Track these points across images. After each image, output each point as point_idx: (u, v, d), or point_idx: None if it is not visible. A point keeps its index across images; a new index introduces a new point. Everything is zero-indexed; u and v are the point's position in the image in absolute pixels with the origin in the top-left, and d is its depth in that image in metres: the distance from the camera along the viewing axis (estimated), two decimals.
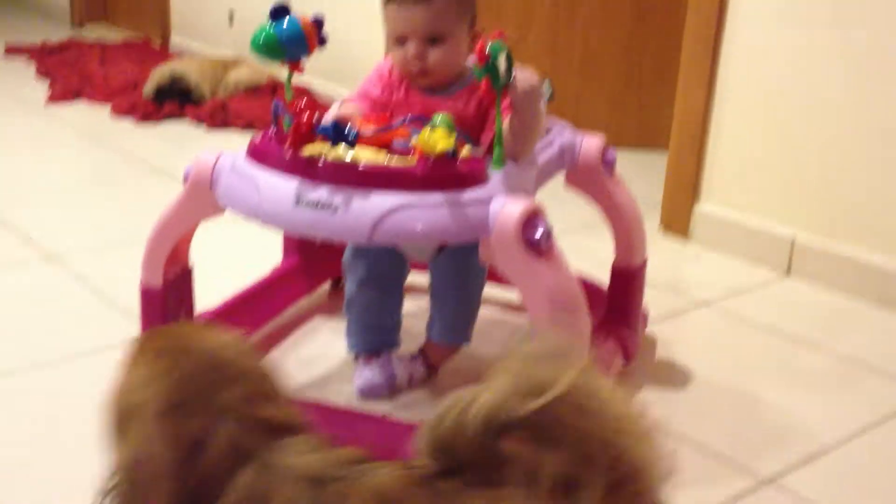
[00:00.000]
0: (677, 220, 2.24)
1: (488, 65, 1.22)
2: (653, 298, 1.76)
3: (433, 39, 1.36)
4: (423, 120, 1.29)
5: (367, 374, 1.49)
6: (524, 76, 1.25)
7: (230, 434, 0.78)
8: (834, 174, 1.97)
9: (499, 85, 1.23)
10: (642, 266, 1.62)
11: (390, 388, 1.48)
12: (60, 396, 1.48)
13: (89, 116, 3.11)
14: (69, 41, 4.13)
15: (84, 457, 0.99)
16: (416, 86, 1.41)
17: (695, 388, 1.58)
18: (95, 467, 0.84)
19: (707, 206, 2.20)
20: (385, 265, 1.49)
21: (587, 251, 1.92)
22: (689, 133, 2.18)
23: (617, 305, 1.60)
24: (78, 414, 1.23)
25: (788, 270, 2.05)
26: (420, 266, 1.57)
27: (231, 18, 3.69)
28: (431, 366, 1.53)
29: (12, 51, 3.99)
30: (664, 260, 2.03)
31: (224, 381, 0.80)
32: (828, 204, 1.99)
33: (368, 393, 1.48)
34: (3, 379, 1.52)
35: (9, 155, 2.73)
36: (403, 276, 1.54)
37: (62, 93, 3.29)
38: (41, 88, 3.39)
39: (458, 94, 1.40)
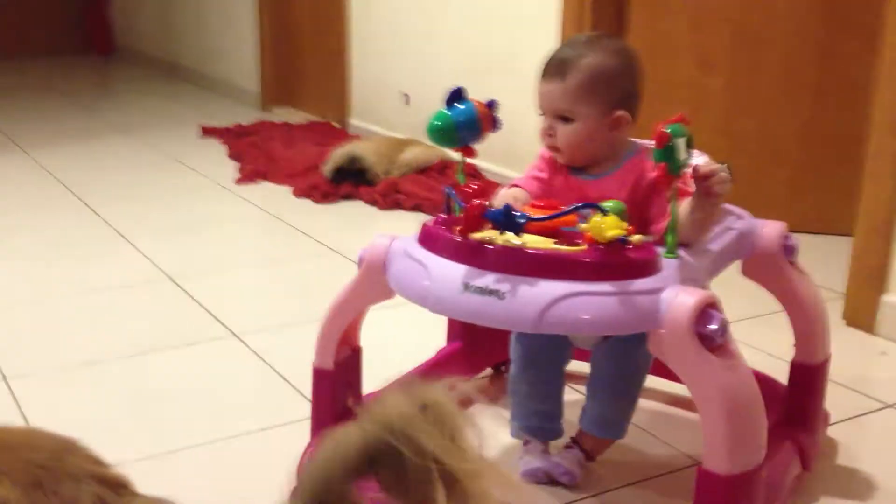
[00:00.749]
0: (862, 312, 2.11)
1: (667, 148, 1.20)
2: (834, 397, 1.65)
3: (563, 118, 1.37)
4: (592, 206, 1.28)
5: (528, 458, 1.48)
6: (708, 162, 1.23)
7: (94, 494, 0.80)
8: None
9: (676, 169, 1.21)
10: (825, 363, 1.53)
11: (549, 476, 1.47)
12: (235, 469, 1.54)
13: (273, 196, 3.28)
14: (258, 124, 4.40)
15: None
16: (568, 168, 1.42)
17: (878, 500, 1.46)
18: None
19: (895, 299, 2.06)
20: (548, 349, 1.48)
21: (763, 343, 1.84)
22: (875, 220, 2.07)
23: (795, 405, 1.51)
24: (245, 487, 1.27)
25: None
26: (579, 353, 1.54)
27: (407, 100, 3.83)
28: (587, 454, 1.50)
29: (207, 132, 4.28)
30: (847, 355, 1.90)
31: (65, 450, 0.84)
32: None
33: (531, 477, 1.47)
34: (194, 449, 1.60)
35: (199, 233, 2.91)
36: (566, 361, 1.52)
37: (250, 174, 3.50)
38: (232, 168, 3.61)
39: (609, 177, 1.39)
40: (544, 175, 1.44)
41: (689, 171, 1.37)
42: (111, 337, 2.09)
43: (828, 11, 2.66)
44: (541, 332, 1.18)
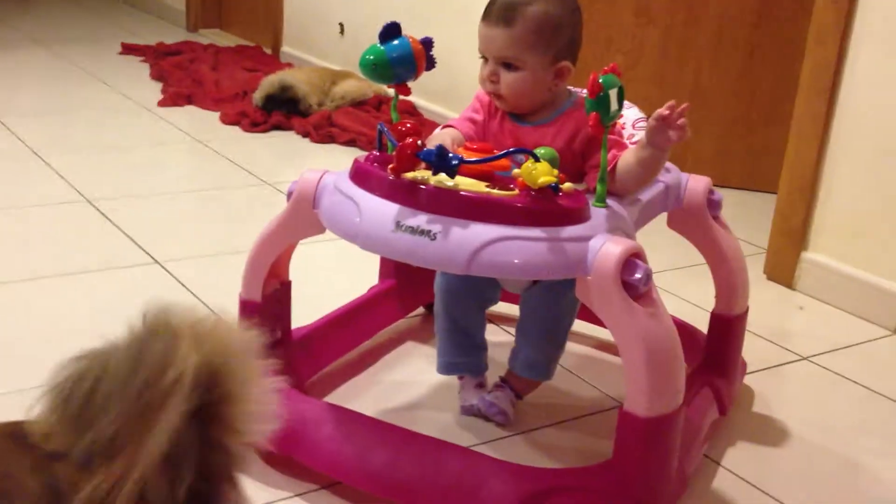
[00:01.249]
0: (783, 267, 2.16)
1: (599, 98, 1.20)
2: (752, 348, 1.70)
3: (508, 65, 1.35)
4: (526, 152, 1.27)
5: (464, 395, 1.52)
6: (672, 110, 1.23)
7: None
8: None
9: (607, 120, 1.22)
10: (743, 315, 1.57)
11: (483, 414, 1.50)
12: None
13: (198, 122, 3.18)
14: (183, 44, 4.24)
15: None
16: (505, 112, 1.40)
17: (790, 447, 1.52)
18: None
19: (814, 256, 2.11)
20: (472, 285, 1.47)
21: (685, 293, 1.87)
22: (799, 180, 2.11)
23: (714, 353, 1.55)
24: None
25: None
26: (509, 296, 1.55)
27: (342, 31, 3.74)
28: (517, 394, 1.53)
29: (128, 50, 4.12)
30: (766, 308, 1.96)
31: None
32: None
33: (467, 413, 1.51)
34: None
35: (119, 155, 2.81)
36: (491, 300, 1.53)
37: (173, 96, 3.38)
38: (153, 90, 3.49)
39: (547, 125, 1.38)
40: (480, 117, 1.42)
41: (620, 122, 1.38)
42: (22, 257, 2.02)
43: None
44: (471, 274, 1.18)
